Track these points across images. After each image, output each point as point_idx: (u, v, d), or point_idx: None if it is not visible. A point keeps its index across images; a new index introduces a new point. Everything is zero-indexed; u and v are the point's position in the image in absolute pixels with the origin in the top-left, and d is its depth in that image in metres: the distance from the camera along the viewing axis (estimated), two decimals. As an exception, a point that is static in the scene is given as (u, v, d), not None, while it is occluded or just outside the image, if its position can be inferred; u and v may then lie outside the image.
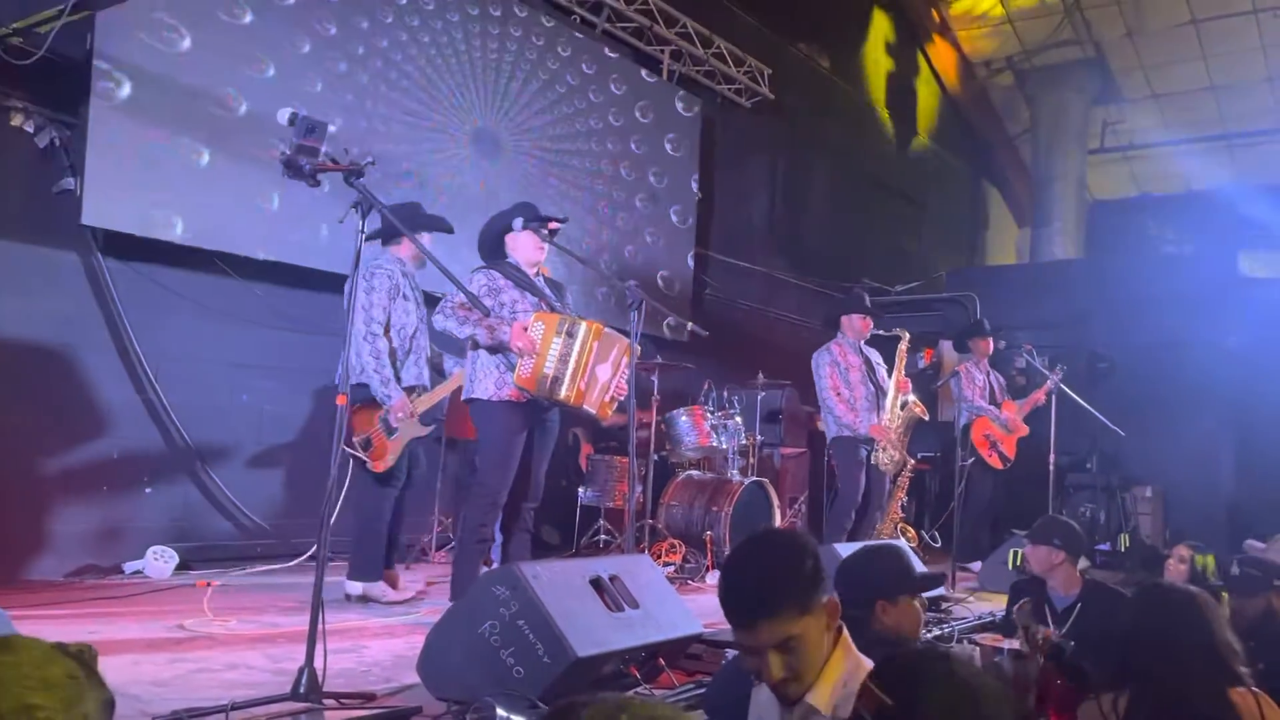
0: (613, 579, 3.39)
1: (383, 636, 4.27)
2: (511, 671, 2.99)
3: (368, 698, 3.12)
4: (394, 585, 5.08)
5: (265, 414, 6.22)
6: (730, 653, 3.75)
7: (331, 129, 3.65)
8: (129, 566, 5.46)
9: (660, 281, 8.81)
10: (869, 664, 2.10)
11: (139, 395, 5.64)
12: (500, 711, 2.58)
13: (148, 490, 5.69)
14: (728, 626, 3.95)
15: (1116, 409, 8.17)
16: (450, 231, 5.04)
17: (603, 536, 7.17)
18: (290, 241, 6.07)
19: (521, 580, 3.05)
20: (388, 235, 4.98)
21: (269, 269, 6.06)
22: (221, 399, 6.03)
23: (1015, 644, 3.66)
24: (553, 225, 4.74)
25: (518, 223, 4.67)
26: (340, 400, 3.09)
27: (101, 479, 5.49)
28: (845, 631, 2.14)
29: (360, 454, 4.80)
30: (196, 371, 5.89)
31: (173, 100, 5.52)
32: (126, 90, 5.34)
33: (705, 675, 3.54)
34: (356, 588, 4.95)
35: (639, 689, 3.30)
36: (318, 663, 2.99)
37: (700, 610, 3.75)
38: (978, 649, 3.62)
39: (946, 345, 10.92)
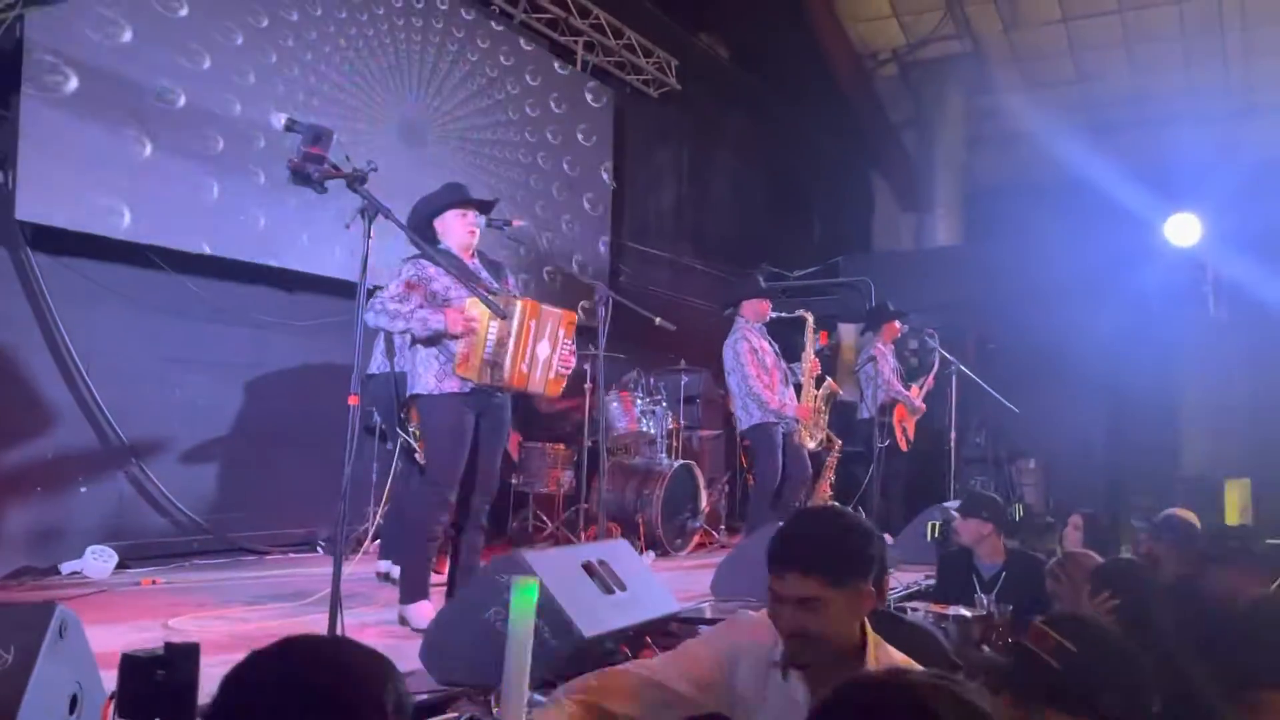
0: (600, 563, 3.58)
1: (353, 628, 4.35)
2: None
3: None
4: None
5: (198, 408, 6.16)
6: (703, 629, 4.00)
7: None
8: (66, 567, 5.36)
9: (575, 267, 8.97)
10: (896, 654, 2.28)
11: (71, 393, 5.52)
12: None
13: (82, 489, 5.58)
14: (697, 604, 4.19)
15: (1001, 387, 8.76)
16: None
17: (533, 522, 7.33)
18: (228, 235, 6.03)
19: (525, 565, 3.22)
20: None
21: (202, 262, 5.99)
22: (154, 394, 5.94)
23: (960, 610, 4.03)
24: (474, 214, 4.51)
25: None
26: (352, 400, 3.16)
27: (35, 479, 5.36)
28: (875, 641, 2.22)
29: (415, 444, 4.76)
30: (129, 367, 5.80)
31: (109, 92, 5.42)
32: (62, 82, 5.22)
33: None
34: (385, 565, 5.08)
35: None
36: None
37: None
38: (929, 613, 3.98)
39: (845, 328, 11.42)
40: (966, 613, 3.94)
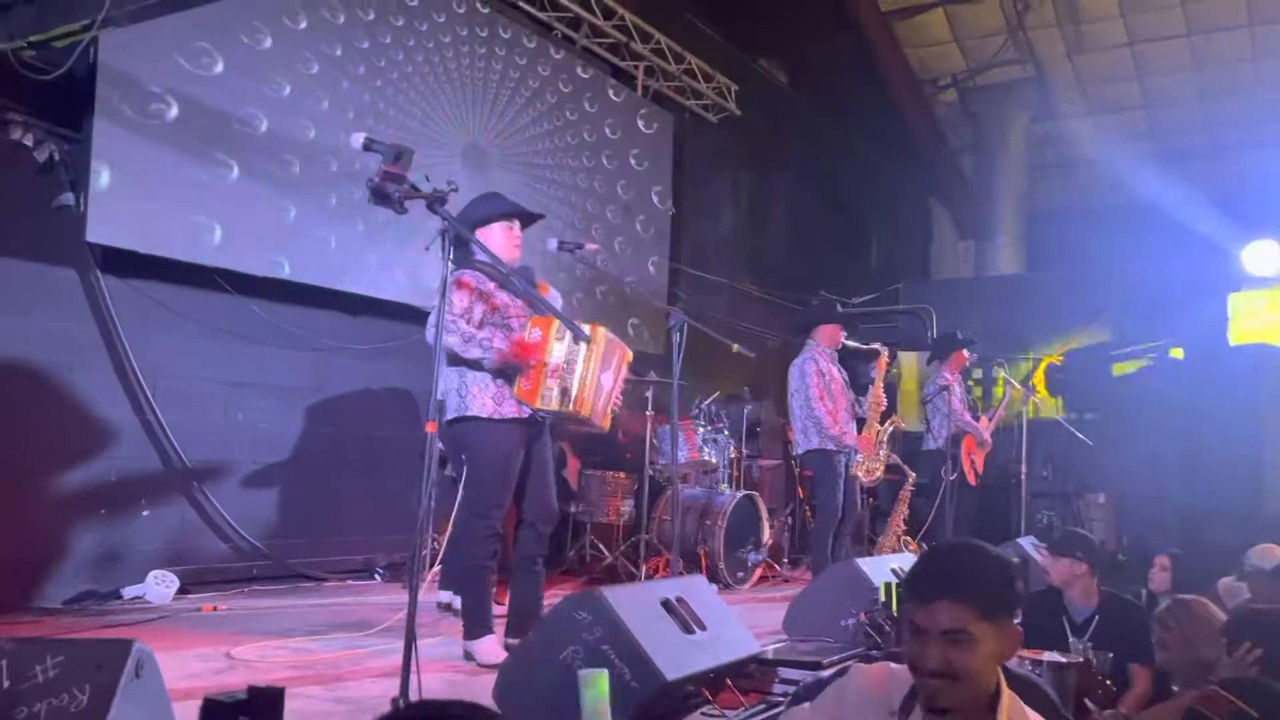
0: (679, 600, 3.44)
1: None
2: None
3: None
4: None
5: (260, 432, 6.12)
6: (785, 672, 3.84)
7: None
8: (128, 591, 5.32)
9: (628, 290, 8.86)
10: (1034, 716, 2.10)
11: (136, 415, 5.51)
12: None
13: (145, 512, 5.55)
14: (767, 644, 4.01)
15: (1069, 420, 8.51)
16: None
17: (589, 551, 7.20)
18: (301, 257, 6.07)
19: (604, 604, 3.08)
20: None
21: (267, 286, 5.97)
22: (216, 418, 5.92)
23: (1054, 656, 3.81)
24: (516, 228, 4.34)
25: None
26: (430, 428, 3.05)
27: (100, 502, 5.34)
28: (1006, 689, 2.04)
29: None
30: (192, 390, 5.78)
31: (188, 118, 5.49)
32: (165, 110, 5.37)
33: (762, 694, 3.62)
34: (445, 595, 4.93)
35: (708, 710, 3.36)
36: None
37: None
38: (1021, 659, 3.76)
39: (905, 356, 11.19)
40: (1062, 659, 3.71)
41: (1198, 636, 3.12)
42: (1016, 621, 2.01)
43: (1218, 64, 12.44)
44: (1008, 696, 2.00)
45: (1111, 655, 3.74)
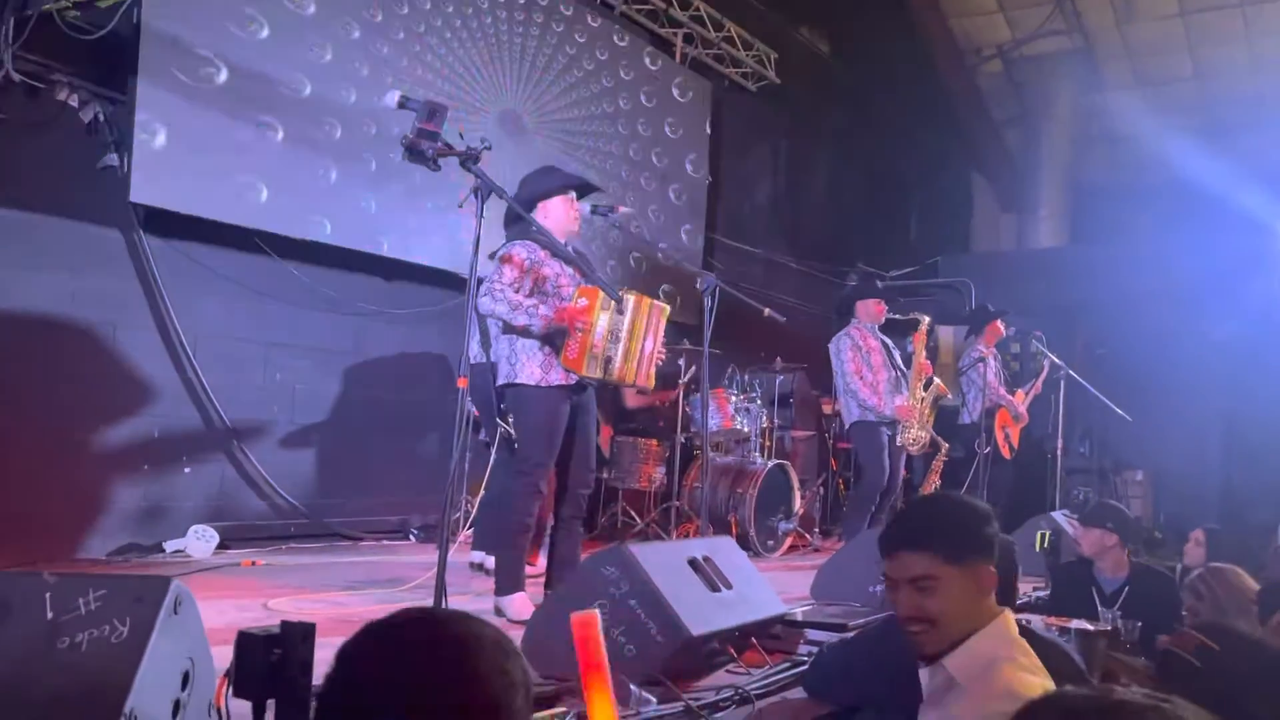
0: (706, 560, 3.47)
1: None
2: (623, 650, 3.05)
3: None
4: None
5: (298, 393, 6.23)
6: (811, 633, 3.86)
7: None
8: (170, 545, 5.45)
9: (660, 256, 8.86)
10: (1032, 655, 2.15)
11: (178, 374, 5.62)
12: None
13: (186, 469, 5.68)
14: (794, 608, 4.04)
15: (1108, 395, 8.38)
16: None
17: (621, 518, 7.25)
18: (341, 220, 6.16)
19: (632, 560, 3.12)
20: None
21: (307, 248, 6.06)
22: (256, 378, 6.02)
23: (1082, 623, 3.80)
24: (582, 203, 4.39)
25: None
26: (461, 383, 3.09)
27: (143, 457, 5.47)
28: (1010, 618, 2.18)
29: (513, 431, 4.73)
30: (233, 350, 5.89)
31: (232, 81, 5.58)
32: (214, 74, 5.47)
33: (787, 655, 3.64)
34: (478, 555, 5.05)
35: (733, 667, 3.39)
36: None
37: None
38: (1050, 626, 3.76)
39: (943, 330, 11.10)
40: (1090, 627, 3.70)
41: (1230, 605, 3.10)
42: (987, 562, 2.10)
43: (1270, 35, 12.14)
44: (999, 627, 2.08)
45: (1140, 624, 3.73)
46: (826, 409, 8.98)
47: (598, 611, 1.64)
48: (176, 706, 2.11)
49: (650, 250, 8.61)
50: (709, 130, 9.42)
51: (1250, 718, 1.68)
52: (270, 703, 1.87)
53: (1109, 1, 12.39)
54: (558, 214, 4.34)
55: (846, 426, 6.64)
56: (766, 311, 4.48)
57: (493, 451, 5.44)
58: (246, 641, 1.88)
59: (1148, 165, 13.33)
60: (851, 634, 3.58)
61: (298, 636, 1.84)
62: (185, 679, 2.15)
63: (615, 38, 8.44)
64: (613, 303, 4.13)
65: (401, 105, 3.13)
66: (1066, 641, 3.71)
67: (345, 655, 1.18)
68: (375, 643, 1.15)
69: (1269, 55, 12.46)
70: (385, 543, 6.45)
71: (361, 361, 6.57)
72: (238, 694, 1.90)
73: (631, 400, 7.52)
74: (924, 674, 2.17)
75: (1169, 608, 4.04)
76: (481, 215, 3.12)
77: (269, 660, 1.86)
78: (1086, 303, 10.47)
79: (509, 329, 4.23)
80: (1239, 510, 8.69)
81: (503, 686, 1.13)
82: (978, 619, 2.10)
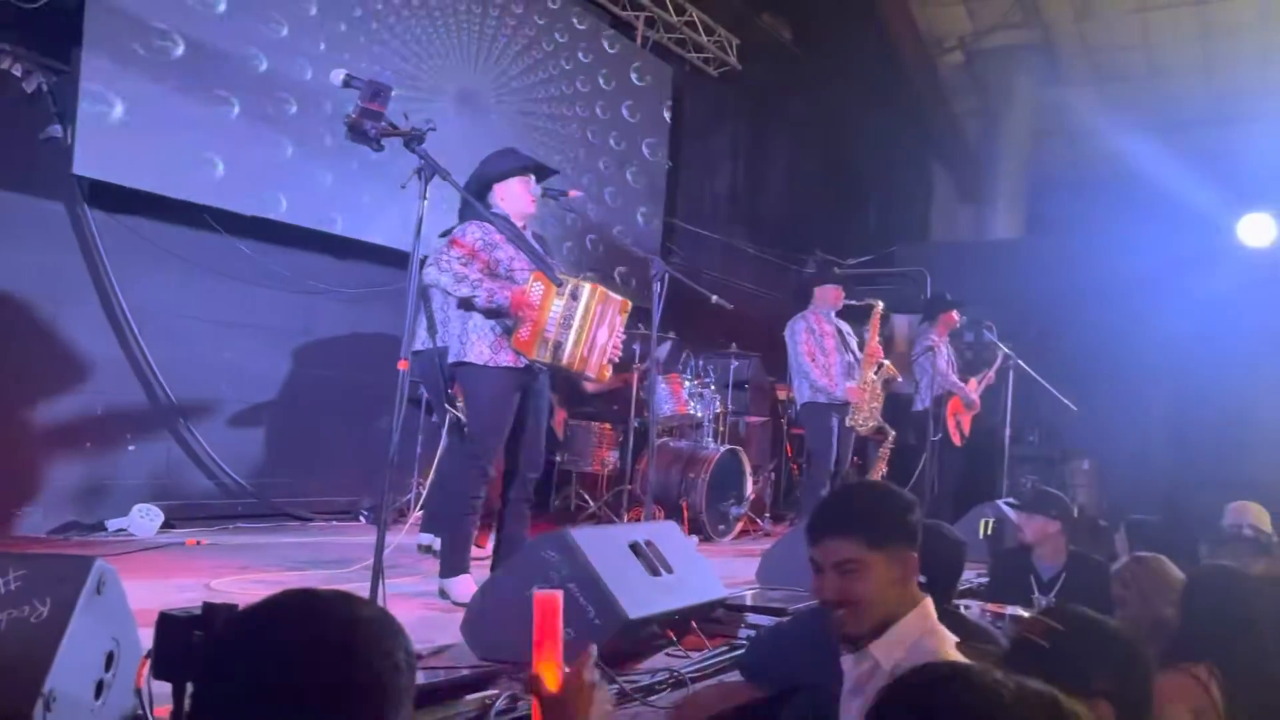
0: (648, 544, 3.48)
1: (393, 598, 4.30)
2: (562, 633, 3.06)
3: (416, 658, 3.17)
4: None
5: (247, 372, 6.16)
6: (751, 617, 3.90)
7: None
8: (113, 524, 5.38)
9: (616, 239, 8.86)
10: (950, 640, 2.20)
11: (123, 351, 5.54)
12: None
13: (131, 447, 5.61)
14: (740, 592, 4.07)
15: (1059, 385, 8.51)
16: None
17: (575, 501, 7.27)
18: (289, 200, 6.07)
19: (572, 544, 3.13)
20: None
21: (258, 225, 5.98)
22: (204, 355, 5.94)
23: (1018, 610, 3.87)
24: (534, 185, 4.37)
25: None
26: (402, 365, 3.08)
27: (85, 435, 5.40)
28: (929, 604, 2.23)
29: (463, 415, 4.70)
30: (180, 327, 5.81)
31: (185, 54, 5.48)
32: (133, 40, 5.29)
33: (727, 639, 3.67)
34: (427, 537, 5.00)
35: (672, 650, 3.42)
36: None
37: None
38: (985, 612, 3.83)
39: (898, 319, 11.19)
40: (1024, 613, 3.78)
41: (1154, 594, 3.17)
42: (909, 548, 2.15)
43: (1224, 35, 12.32)
44: (920, 613, 2.13)
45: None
46: (781, 395, 9.04)
47: (561, 593, 1.64)
48: (100, 687, 2.10)
49: (606, 233, 8.60)
50: (669, 115, 9.42)
51: (1099, 693, 1.74)
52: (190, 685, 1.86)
53: (1069, -3, 12.53)
54: (514, 196, 4.34)
55: (798, 407, 6.70)
56: (715, 298, 4.50)
57: (443, 435, 5.43)
58: (168, 623, 1.87)
59: (1104, 160, 13.49)
60: (787, 618, 3.63)
61: (220, 618, 1.83)
62: (110, 659, 2.13)
63: (575, 20, 8.40)
64: (567, 288, 4.13)
65: (346, 84, 3.10)
66: (1000, 628, 3.79)
67: (224, 636, 1.17)
68: (255, 623, 1.15)
69: (1223, 54, 12.66)
70: (335, 523, 6.42)
71: (312, 340, 6.52)
72: (157, 676, 1.89)
73: (590, 385, 7.52)
74: (848, 662, 2.22)
75: (1103, 596, 4.13)
76: (424, 197, 3.09)
77: (191, 642, 1.85)
78: (1040, 293, 10.59)
79: (462, 305, 4.21)
80: (1181, 500, 8.86)
81: (385, 666, 1.13)
82: (900, 605, 2.14)
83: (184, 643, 1.84)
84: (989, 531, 5.90)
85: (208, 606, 1.84)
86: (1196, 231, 10.08)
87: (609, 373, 4.58)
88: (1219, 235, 9.89)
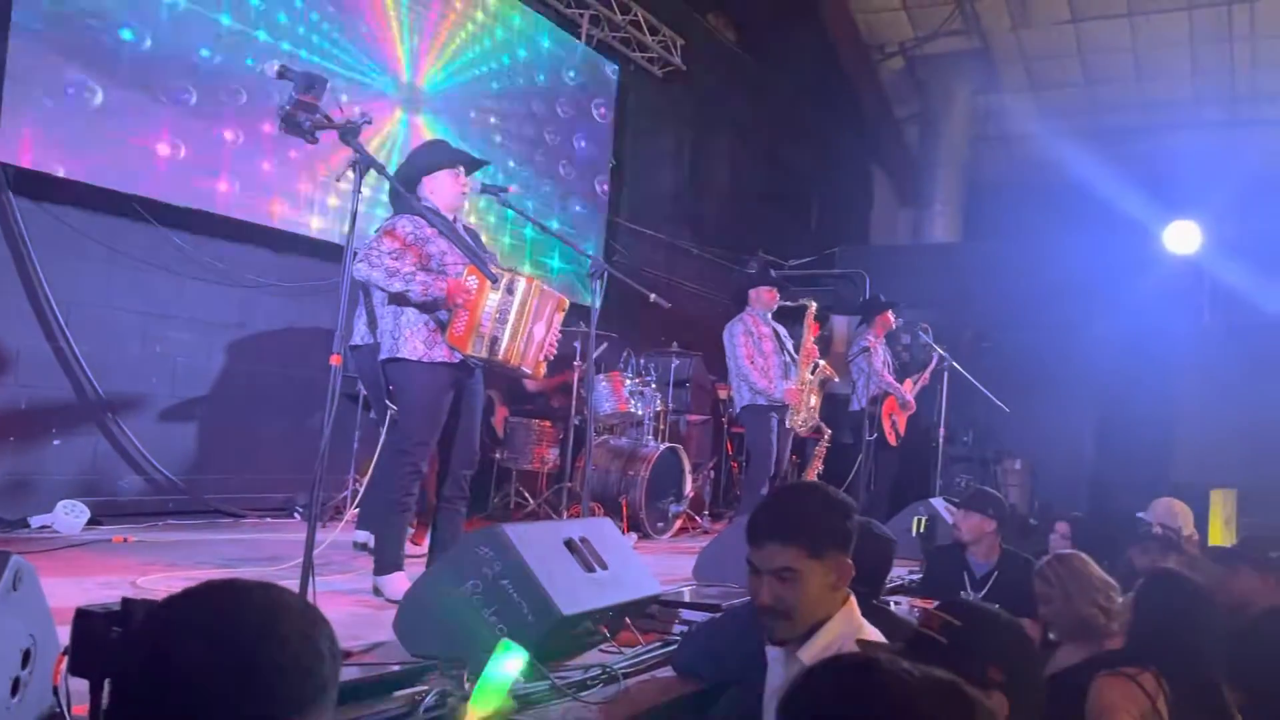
0: (583, 540, 3.48)
1: (325, 595, 4.25)
2: (494, 630, 3.05)
3: (345, 654, 3.14)
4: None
5: (179, 366, 6.04)
6: (685, 613, 3.93)
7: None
8: (35, 520, 5.24)
9: (555, 236, 8.78)
10: (872, 631, 2.25)
11: (49, 343, 5.40)
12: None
13: (56, 442, 5.47)
14: (677, 588, 4.09)
15: (992, 387, 8.69)
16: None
17: (514, 499, 7.24)
18: (223, 191, 5.96)
19: (505, 541, 3.12)
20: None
21: (189, 217, 5.86)
22: (134, 349, 5.82)
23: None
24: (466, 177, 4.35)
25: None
26: (334, 360, 3.05)
27: (8, 429, 5.25)
28: (854, 601, 2.26)
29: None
30: (109, 320, 5.68)
31: (97, 36, 5.32)
32: (50, 23, 5.11)
33: (661, 635, 3.69)
34: (363, 535, 4.94)
35: (606, 647, 3.42)
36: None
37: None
38: (914, 608, 3.90)
39: (838, 320, 11.33)
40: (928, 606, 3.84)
41: (1075, 591, 3.25)
42: (845, 554, 2.18)
43: (1156, 46, 12.67)
44: (845, 613, 2.17)
45: (998, 608, 3.88)
46: (722, 394, 9.09)
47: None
48: (16, 684, 2.04)
49: (544, 228, 8.56)
50: (613, 114, 9.41)
51: (994, 684, 1.78)
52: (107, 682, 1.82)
53: (1005, 5, 12.78)
54: (444, 189, 4.29)
55: (737, 410, 6.76)
56: (652, 297, 4.50)
57: (383, 431, 5.37)
58: (86, 618, 1.83)
59: (1039, 166, 13.80)
60: (719, 615, 3.65)
61: (139, 614, 1.80)
62: (26, 657, 2.08)
63: (519, 16, 8.36)
64: (503, 282, 4.09)
65: (281, 75, 3.06)
66: (930, 623, 3.85)
67: (146, 625, 1.16)
68: (173, 610, 1.13)
69: (1154, 64, 13.01)
70: (269, 520, 6.32)
71: (247, 335, 6.41)
72: (74, 672, 1.85)
73: (531, 383, 7.50)
74: (775, 663, 2.24)
75: (1032, 593, 4.22)
76: (359, 190, 3.06)
77: (109, 639, 1.81)
78: (976, 296, 10.79)
79: (392, 300, 4.16)
80: (1105, 499, 9.11)
81: (305, 650, 1.12)
82: (830, 607, 2.19)
83: (102, 639, 1.80)
84: (922, 529, 6.01)
85: (126, 602, 1.81)
86: (1126, 237, 10.35)
87: (544, 369, 4.53)
88: (1147, 242, 10.16)
